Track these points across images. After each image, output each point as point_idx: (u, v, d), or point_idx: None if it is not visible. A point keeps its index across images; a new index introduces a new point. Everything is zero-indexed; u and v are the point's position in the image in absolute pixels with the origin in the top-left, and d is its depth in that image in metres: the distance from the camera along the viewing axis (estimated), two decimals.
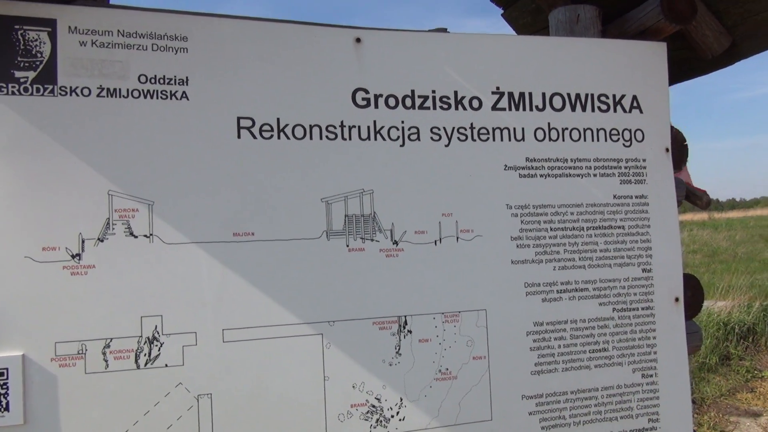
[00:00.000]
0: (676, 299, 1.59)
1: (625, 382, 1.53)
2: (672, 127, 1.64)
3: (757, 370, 6.81)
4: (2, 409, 1.11)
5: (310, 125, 1.32)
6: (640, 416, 1.54)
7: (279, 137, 1.30)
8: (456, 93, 1.46)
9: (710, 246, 18.94)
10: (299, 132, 1.31)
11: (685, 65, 1.78)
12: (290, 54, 1.33)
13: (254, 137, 1.29)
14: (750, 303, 8.10)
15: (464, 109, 1.46)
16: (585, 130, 1.55)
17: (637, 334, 1.55)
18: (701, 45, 1.68)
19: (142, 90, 1.23)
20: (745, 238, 20.23)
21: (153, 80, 1.24)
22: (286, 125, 1.31)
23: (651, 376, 1.55)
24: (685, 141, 1.70)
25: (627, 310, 1.54)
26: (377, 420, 1.33)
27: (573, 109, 1.54)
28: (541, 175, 1.50)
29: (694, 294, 1.66)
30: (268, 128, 1.30)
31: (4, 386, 1.12)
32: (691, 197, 1.77)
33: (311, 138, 1.32)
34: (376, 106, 1.38)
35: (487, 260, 1.44)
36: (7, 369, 1.12)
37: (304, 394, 1.29)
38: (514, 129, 1.50)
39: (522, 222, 1.48)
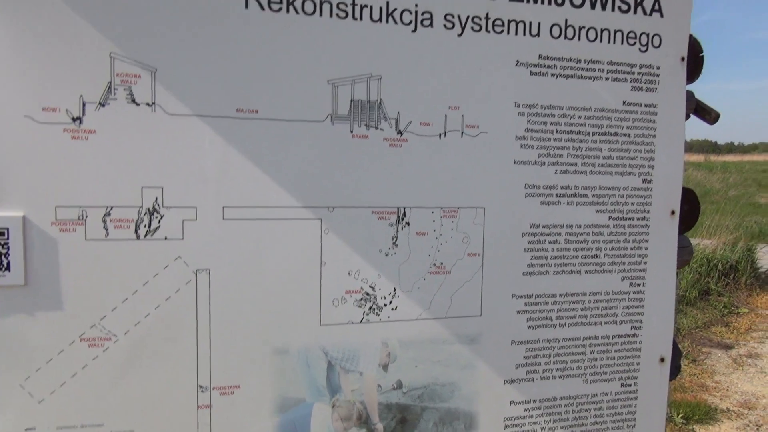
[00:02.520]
0: (672, 212, 1.60)
1: (613, 289, 1.56)
2: (690, 36, 1.59)
3: (734, 306, 7.04)
4: (3, 269, 1.13)
5: (321, 1, 1.26)
6: (623, 323, 1.58)
7: (288, 11, 1.24)
8: None
9: (703, 186, 19.05)
10: (309, 7, 1.26)
11: None
12: None
13: (262, 8, 1.23)
14: (735, 243, 8.25)
15: None
16: (602, 31, 1.50)
17: (630, 243, 1.57)
18: None
19: None
20: (738, 181, 20.35)
21: None
22: None
23: (639, 285, 1.59)
24: (701, 52, 1.65)
25: (623, 219, 1.55)
26: (370, 307, 1.36)
27: (593, 6, 1.48)
28: (552, 75, 1.47)
29: (690, 208, 1.66)
30: (278, 0, 1.24)
31: (5, 246, 1.12)
32: (699, 111, 1.74)
33: (321, 14, 1.26)
34: None
35: (490, 158, 1.43)
36: (7, 229, 1.12)
37: (300, 277, 1.31)
38: (530, 23, 1.44)
39: (528, 122, 1.46)
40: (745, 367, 5.34)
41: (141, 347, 1.22)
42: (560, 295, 1.52)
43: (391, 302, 1.37)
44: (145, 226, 1.20)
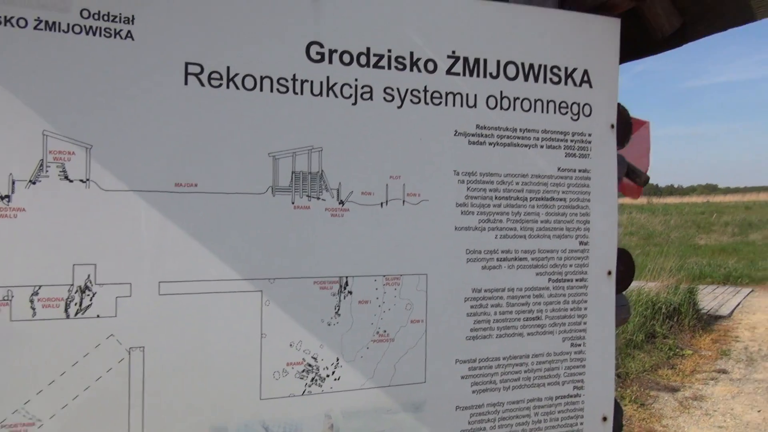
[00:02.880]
0: (609, 272, 1.66)
1: (554, 350, 1.59)
2: (618, 104, 1.68)
3: (678, 348, 7.24)
4: None
5: (261, 76, 1.28)
6: (566, 383, 1.60)
7: (228, 86, 1.26)
8: (412, 54, 1.44)
9: (646, 229, 19.79)
10: (249, 82, 1.27)
11: (636, 44, 1.82)
12: (245, 0, 1.28)
13: (202, 84, 1.24)
14: (677, 285, 8.54)
15: (419, 71, 1.45)
16: (536, 101, 1.57)
17: (570, 304, 1.61)
18: (653, 24, 1.71)
19: (84, 26, 1.16)
20: (679, 224, 21.22)
21: (96, 16, 1.17)
22: (236, 74, 1.27)
23: (579, 345, 1.62)
24: (629, 119, 1.74)
25: (562, 280, 1.59)
26: (312, 379, 1.34)
27: (526, 78, 1.56)
28: (490, 143, 1.52)
29: (626, 268, 1.72)
30: (217, 76, 1.25)
31: None
32: (630, 174, 1.83)
33: (261, 90, 1.28)
34: (331, 62, 1.35)
35: (431, 225, 1.46)
36: None
37: (240, 351, 1.28)
38: (467, 95, 1.50)
39: (468, 189, 1.49)
40: (691, 410, 5.45)
41: None
42: (504, 358, 1.54)
43: (333, 372, 1.36)
44: (75, 304, 1.15)
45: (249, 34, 1.28)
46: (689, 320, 7.88)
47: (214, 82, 1.25)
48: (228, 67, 1.26)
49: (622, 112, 1.71)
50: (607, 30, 1.65)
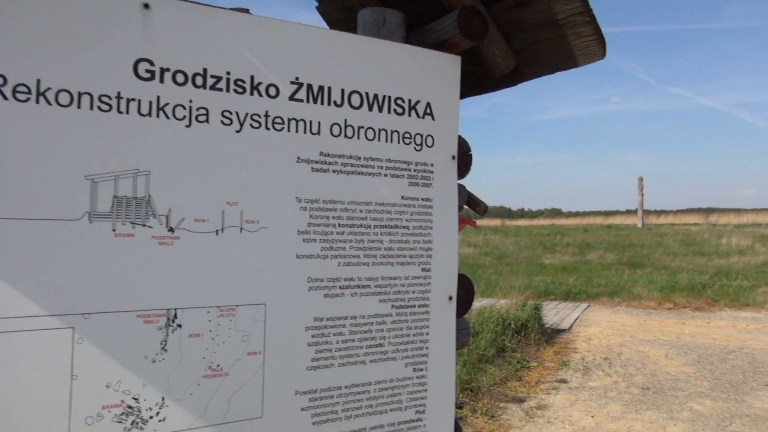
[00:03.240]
0: (450, 298, 1.71)
1: (397, 376, 1.60)
2: (459, 137, 1.76)
3: (526, 360, 7.74)
4: None
5: (79, 92, 1.17)
6: (408, 408, 1.62)
7: (38, 101, 1.13)
8: (252, 78, 1.40)
9: (500, 249, 21.14)
10: (64, 98, 1.15)
11: (476, 81, 1.93)
12: (62, 8, 1.16)
13: (5, 98, 1.10)
14: (525, 302, 9.17)
15: (260, 95, 1.41)
16: (380, 131, 1.59)
17: (412, 330, 1.63)
18: (491, 63, 1.82)
19: None
20: (528, 244, 22.91)
21: None
22: (48, 89, 1.14)
23: (422, 369, 1.65)
24: (470, 150, 1.83)
25: (405, 307, 1.62)
26: (133, 422, 1.22)
27: (370, 108, 1.57)
28: (333, 171, 1.51)
29: (466, 293, 1.79)
30: (25, 89, 1.12)
31: None
32: (471, 203, 1.92)
33: (79, 107, 1.17)
34: (162, 81, 1.27)
35: (271, 253, 1.41)
36: None
37: (45, 395, 1.14)
38: (311, 122, 1.48)
39: (311, 216, 1.47)
40: (535, 419, 5.82)
41: None
42: (346, 387, 1.52)
43: (158, 413, 1.25)
44: None
45: (66, 45, 1.16)
46: (535, 334, 8.46)
47: (20, 96, 1.11)
48: (38, 80, 1.13)
49: (462, 144, 1.80)
50: (448, 66, 1.72)
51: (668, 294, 12.35)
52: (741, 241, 22.50)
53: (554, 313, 10.35)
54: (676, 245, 21.84)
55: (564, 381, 6.98)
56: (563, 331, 9.24)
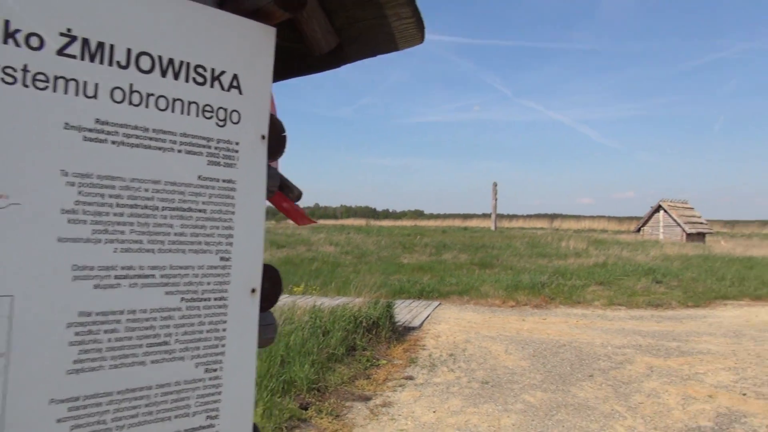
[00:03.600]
0: (253, 290, 1.56)
1: (185, 378, 1.42)
2: (272, 116, 1.62)
3: (375, 358, 7.80)
4: None
5: None
6: (197, 414, 1.45)
7: None
8: (7, 23, 1.16)
9: (361, 249, 21.38)
10: None
11: (299, 60, 1.80)
12: None
13: None
14: (378, 300, 9.26)
15: (17, 45, 1.17)
16: (175, 101, 1.40)
17: (206, 326, 1.46)
18: (311, 40, 1.70)
19: None
20: (389, 244, 23.42)
21: None
22: None
23: (216, 370, 1.48)
24: (284, 132, 1.70)
25: (197, 300, 1.45)
26: None
27: (163, 74, 1.38)
28: (113, 142, 1.30)
29: (272, 285, 1.66)
30: None
31: None
32: (284, 189, 1.79)
33: None
34: None
35: (24, 235, 1.17)
36: None
37: None
38: (85, 83, 1.26)
39: (80, 193, 1.25)
40: (379, 416, 5.85)
41: None
42: (118, 393, 1.31)
43: None
44: None
45: None
46: (386, 332, 8.57)
47: None
48: None
49: (275, 124, 1.66)
50: (261, 37, 1.57)
51: (512, 292, 13.18)
52: (578, 245, 24.79)
53: (407, 311, 10.59)
54: (523, 247, 23.52)
55: (411, 378, 7.12)
56: (414, 328, 9.47)
